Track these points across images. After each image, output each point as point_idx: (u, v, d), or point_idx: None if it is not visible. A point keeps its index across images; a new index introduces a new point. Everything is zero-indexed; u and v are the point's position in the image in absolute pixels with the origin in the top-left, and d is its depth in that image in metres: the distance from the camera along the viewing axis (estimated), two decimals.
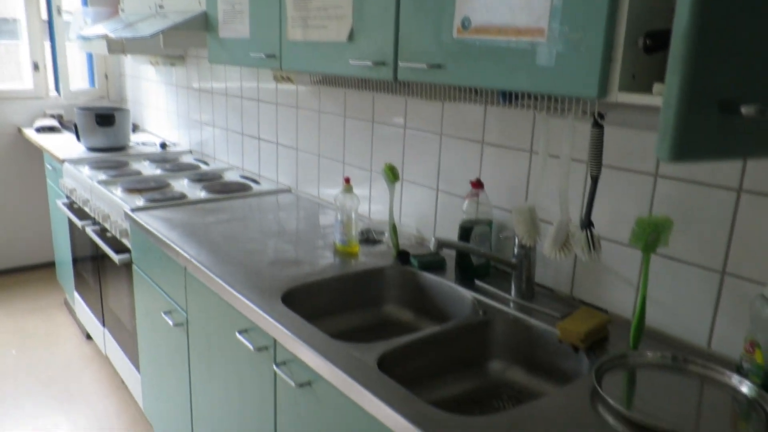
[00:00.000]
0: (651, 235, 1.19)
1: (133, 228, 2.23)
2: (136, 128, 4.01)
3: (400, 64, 1.38)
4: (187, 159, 3.23)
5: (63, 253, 3.49)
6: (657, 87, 0.97)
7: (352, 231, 1.83)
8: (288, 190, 2.59)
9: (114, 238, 2.42)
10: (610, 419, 1.04)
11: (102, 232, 2.56)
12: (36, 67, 4.04)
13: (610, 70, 1.00)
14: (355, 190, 1.91)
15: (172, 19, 2.24)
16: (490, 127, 1.68)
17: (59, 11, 3.95)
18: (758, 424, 1.02)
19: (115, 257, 2.36)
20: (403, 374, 1.27)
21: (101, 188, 2.54)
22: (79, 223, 2.78)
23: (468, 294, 1.56)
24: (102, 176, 2.72)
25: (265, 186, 2.64)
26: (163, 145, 3.45)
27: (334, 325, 1.65)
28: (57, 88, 4.13)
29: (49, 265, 4.13)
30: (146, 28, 2.34)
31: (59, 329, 3.43)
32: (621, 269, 1.42)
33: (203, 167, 3.01)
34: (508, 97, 1.41)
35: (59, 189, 3.21)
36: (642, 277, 1.24)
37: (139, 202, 2.31)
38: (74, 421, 2.63)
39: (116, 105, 4.22)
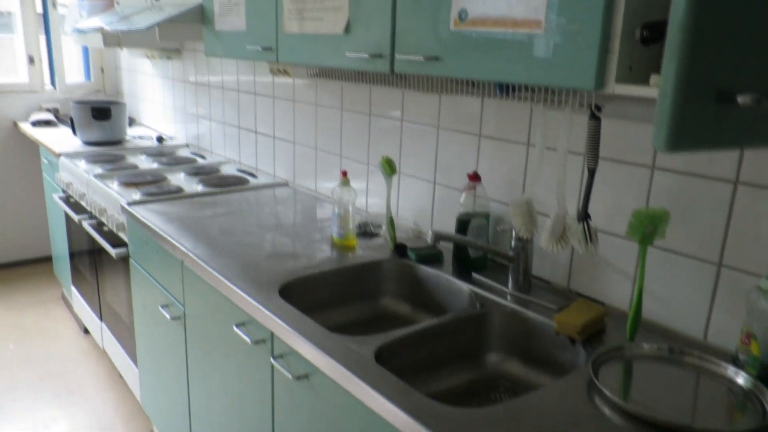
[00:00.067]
0: (648, 228, 1.19)
1: (129, 222, 2.22)
2: (132, 122, 3.99)
3: (397, 56, 1.38)
4: (184, 153, 3.22)
5: (60, 247, 3.49)
6: (654, 78, 0.96)
7: (350, 224, 1.83)
8: (285, 184, 2.58)
9: (111, 232, 2.42)
10: (607, 411, 1.04)
11: (99, 226, 2.56)
12: (31, 60, 4.02)
13: (607, 61, 0.99)
14: (353, 184, 1.91)
15: (168, 11, 2.23)
16: (487, 119, 1.68)
17: (54, 4, 3.93)
18: (754, 415, 1.03)
19: (112, 251, 2.35)
20: (401, 367, 1.28)
21: (98, 182, 2.53)
22: (75, 217, 2.77)
23: (465, 287, 1.56)
24: (98, 170, 2.72)
25: (262, 179, 2.63)
26: (160, 139, 3.44)
27: (332, 318, 1.65)
28: (53, 82, 4.11)
29: (46, 260, 4.12)
30: (142, 21, 2.33)
31: (56, 323, 3.43)
32: (618, 261, 1.42)
33: (200, 161, 3.00)
34: (505, 90, 1.41)
35: (55, 183, 3.20)
36: (639, 270, 1.25)
37: (136, 195, 2.31)
38: (72, 415, 2.63)
39: (112, 99, 4.21)
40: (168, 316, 1.97)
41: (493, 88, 1.45)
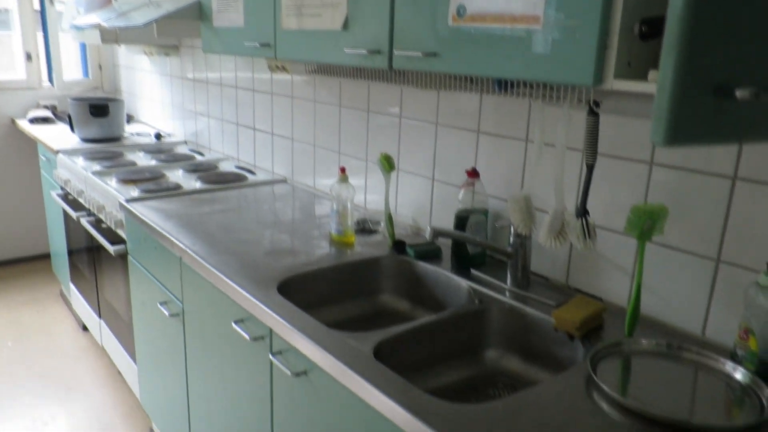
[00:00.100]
0: (646, 224, 1.19)
1: (128, 219, 2.22)
2: (130, 119, 3.98)
3: (395, 52, 1.37)
4: (182, 149, 3.21)
5: (58, 244, 3.48)
6: (652, 74, 0.96)
7: (348, 221, 1.83)
8: (283, 181, 2.58)
9: (109, 229, 2.42)
10: (605, 406, 1.04)
11: (97, 223, 2.55)
12: (29, 57, 4.01)
13: (606, 57, 0.99)
14: (351, 180, 1.91)
15: (166, 8, 2.22)
16: (485, 116, 1.68)
17: (51, 1, 3.92)
18: (752, 411, 1.03)
19: (111, 248, 2.35)
20: (399, 363, 1.28)
21: (96, 179, 2.53)
22: (74, 214, 2.77)
23: (464, 283, 1.56)
24: (96, 167, 2.71)
25: (260, 176, 2.63)
26: (158, 136, 3.43)
27: (330, 314, 1.65)
28: (50, 79, 4.10)
29: (45, 257, 4.12)
30: (139, 17, 2.32)
31: (55, 321, 3.43)
32: (616, 257, 1.43)
33: (198, 158, 3.00)
34: (503, 86, 1.41)
35: (53, 180, 3.20)
36: (637, 265, 1.25)
37: (134, 192, 2.31)
38: (71, 412, 2.63)
39: (110, 95, 4.20)
40: (167, 313, 1.97)
41: (491, 84, 1.45)
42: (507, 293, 1.50)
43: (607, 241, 1.43)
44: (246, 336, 1.50)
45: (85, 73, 4.27)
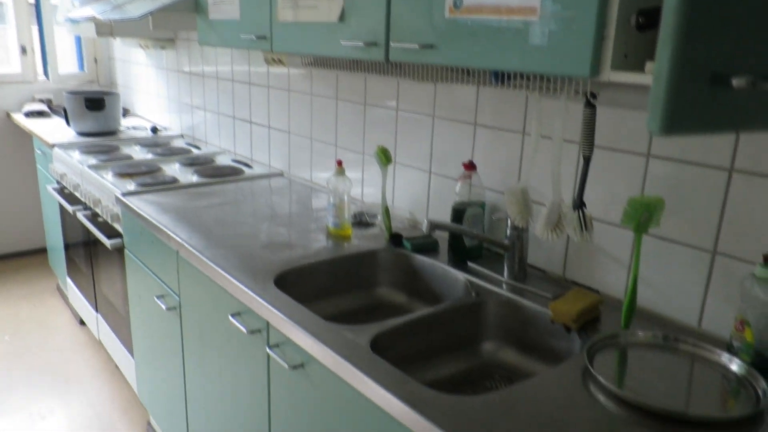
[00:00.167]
0: (643, 216, 1.19)
1: (124, 212, 2.22)
2: (126, 113, 3.97)
3: (392, 44, 1.37)
4: (179, 143, 3.20)
5: (55, 238, 3.47)
6: (649, 65, 0.96)
7: (345, 214, 1.83)
8: (280, 174, 2.58)
9: (105, 222, 2.41)
10: (602, 398, 1.05)
11: (93, 217, 2.55)
12: (24, 50, 3.99)
13: (603, 48, 0.99)
14: (348, 173, 1.90)
15: (161, 0, 2.21)
16: (482, 108, 1.67)
17: None
18: (748, 402, 1.03)
19: (107, 242, 2.35)
20: (396, 356, 1.28)
21: (92, 173, 2.52)
22: (70, 208, 2.76)
23: (461, 276, 1.56)
24: (92, 161, 2.70)
25: (257, 170, 2.63)
26: (154, 130, 3.42)
27: (327, 307, 1.65)
28: (45, 72, 4.08)
29: (41, 251, 4.11)
30: (134, 10, 2.31)
31: (52, 315, 3.42)
32: (613, 250, 1.43)
33: (195, 151, 2.99)
34: (500, 78, 1.40)
35: (49, 174, 3.18)
36: (634, 258, 1.25)
37: (131, 186, 2.30)
38: (68, 405, 2.63)
39: (106, 89, 4.18)
40: (163, 307, 1.96)
41: (488, 77, 1.44)
42: (504, 286, 1.50)
43: (604, 234, 1.43)
44: (243, 329, 1.49)
45: (81, 66, 4.25)
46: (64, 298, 3.57)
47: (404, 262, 1.71)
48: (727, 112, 0.80)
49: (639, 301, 1.37)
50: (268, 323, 1.42)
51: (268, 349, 1.41)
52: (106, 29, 2.97)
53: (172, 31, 3.22)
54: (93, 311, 2.93)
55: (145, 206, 2.07)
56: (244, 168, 2.63)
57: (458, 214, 1.62)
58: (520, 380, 1.14)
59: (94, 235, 2.53)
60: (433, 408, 1.01)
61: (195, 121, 3.22)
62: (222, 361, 1.70)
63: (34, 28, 4.00)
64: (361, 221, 1.94)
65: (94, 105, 3.30)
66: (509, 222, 1.50)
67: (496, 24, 1.13)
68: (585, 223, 1.31)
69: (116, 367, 2.87)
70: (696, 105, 0.76)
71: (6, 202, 4.06)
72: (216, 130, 3.04)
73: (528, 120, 1.56)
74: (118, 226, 2.31)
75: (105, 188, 2.37)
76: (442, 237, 1.75)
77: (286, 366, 1.35)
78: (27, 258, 4.15)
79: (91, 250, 2.76)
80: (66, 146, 3.04)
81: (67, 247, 3.19)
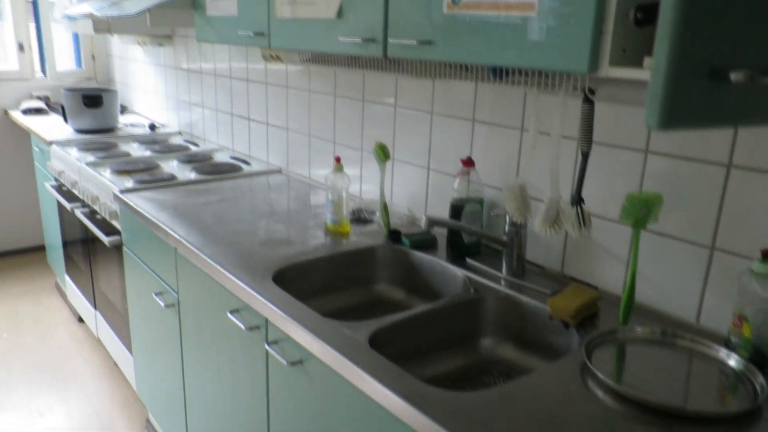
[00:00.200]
0: (641, 212, 1.19)
1: (122, 210, 2.21)
2: (124, 110, 3.96)
3: (390, 40, 1.37)
4: (177, 140, 3.20)
5: (53, 236, 3.47)
6: (647, 61, 0.96)
7: (343, 211, 1.83)
8: (278, 171, 2.57)
9: (104, 220, 2.41)
10: (600, 393, 1.05)
11: (91, 215, 2.54)
12: (21, 47, 3.98)
13: (601, 44, 0.99)
14: (346, 170, 1.90)
15: None
16: (480, 105, 1.67)
17: None
18: (745, 397, 1.04)
19: (105, 239, 2.34)
20: (395, 352, 1.28)
21: (90, 170, 2.52)
22: (68, 205, 2.76)
23: (459, 272, 1.56)
24: (90, 158, 2.70)
25: (255, 167, 2.62)
26: (152, 127, 3.41)
27: (326, 304, 1.65)
28: (43, 69, 4.07)
29: (39, 249, 4.10)
30: (132, 7, 2.30)
31: (51, 313, 3.42)
32: (611, 246, 1.43)
33: (193, 148, 2.99)
34: (498, 74, 1.40)
35: (47, 171, 3.18)
36: (632, 254, 1.25)
37: (129, 183, 2.30)
38: (67, 403, 2.63)
39: (104, 86, 4.17)
40: (162, 304, 1.96)
41: (486, 73, 1.44)
42: (502, 282, 1.50)
43: (603, 230, 1.44)
44: (241, 326, 1.49)
45: (78, 63, 4.24)
46: (63, 295, 3.56)
47: (403, 259, 1.71)
48: (725, 107, 0.80)
49: (637, 297, 1.38)
50: (266, 320, 1.42)
51: (266, 346, 1.41)
52: (103, 26, 2.97)
53: (170, 28, 3.21)
54: (91, 309, 2.92)
55: (143, 203, 2.06)
56: (243, 165, 2.63)
57: (457, 210, 1.62)
58: (519, 376, 1.14)
59: (92, 233, 2.52)
60: (432, 404, 1.01)
61: (193, 118, 3.22)
62: (221, 358, 1.70)
63: (32, 25, 3.99)
64: (359, 218, 1.94)
65: (92, 102, 3.30)
66: (508, 218, 1.50)
67: (495, 20, 1.13)
68: (583, 219, 1.31)
69: (115, 364, 2.87)
70: (694, 99, 0.76)
71: (4, 199, 4.05)
72: (214, 127, 3.03)
73: (526, 116, 1.56)
74: (116, 224, 2.30)
75: (103, 185, 2.36)
76: (441, 233, 1.75)
77: (284, 362, 1.35)
78: (25, 255, 4.15)
79: (90, 248, 2.76)
80: (64, 143, 3.04)
81: (66, 244, 3.19)
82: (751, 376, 1.08)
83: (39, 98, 3.99)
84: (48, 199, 3.38)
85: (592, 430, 0.96)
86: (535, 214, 1.41)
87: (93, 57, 4.22)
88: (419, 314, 1.36)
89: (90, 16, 2.84)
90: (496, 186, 1.67)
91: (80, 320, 3.29)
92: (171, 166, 2.61)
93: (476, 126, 1.69)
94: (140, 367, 2.38)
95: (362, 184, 2.15)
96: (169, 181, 2.35)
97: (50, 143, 3.05)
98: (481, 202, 1.64)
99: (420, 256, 1.67)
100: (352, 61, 1.81)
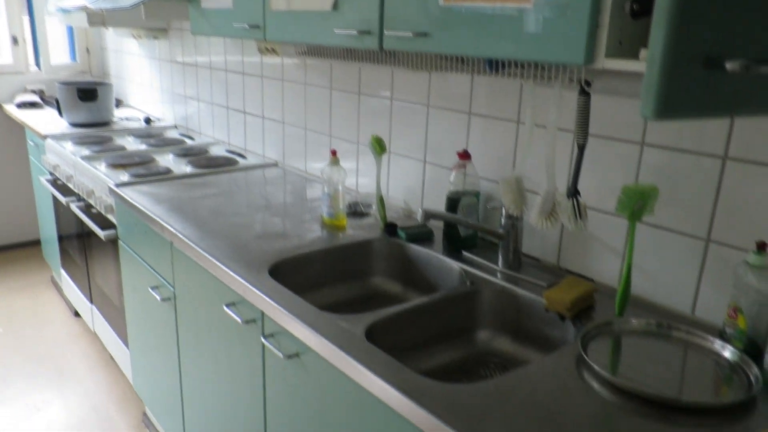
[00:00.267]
0: (637, 204, 1.19)
1: (118, 203, 2.21)
2: (119, 103, 3.95)
3: (386, 32, 1.36)
4: (172, 134, 3.19)
5: (48, 230, 3.46)
6: (644, 52, 0.96)
7: (340, 204, 1.82)
8: (275, 164, 2.57)
9: (99, 214, 2.40)
10: (596, 385, 1.05)
11: (87, 209, 2.54)
12: (15, 41, 3.96)
13: (597, 35, 0.98)
14: (342, 163, 1.90)
15: None
16: (477, 97, 1.67)
17: None
18: (740, 388, 1.04)
19: (101, 233, 2.34)
20: (391, 345, 1.28)
21: (85, 164, 2.51)
22: (63, 199, 2.75)
23: (455, 265, 1.56)
24: (85, 152, 2.69)
25: (251, 160, 2.62)
26: (148, 120, 3.40)
27: (322, 297, 1.65)
28: (37, 63, 4.05)
29: (35, 243, 4.09)
30: None
31: (47, 307, 3.42)
32: (607, 238, 1.43)
33: (188, 142, 2.98)
34: (494, 66, 1.40)
35: (42, 165, 3.17)
36: (628, 246, 1.25)
37: (124, 177, 2.29)
38: (64, 397, 2.63)
39: (99, 79, 4.15)
40: (158, 298, 1.96)
41: (482, 65, 1.44)
42: (498, 275, 1.50)
43: (598, 222, 1.44)
44: (238, 319, 1.49)
45: (73, 56, 4.22)
46: (59, 289, 3.56)
47: (399, 252, 1.71)
48: (720, 96, 0.80)
49: (633, 289, 1.38)
50: (263, 313, 1.42)
51: (263, 339, 1.41)
52: (98, 19, 2.95)
53: (165, 21, 3.20)
54: (87, 303, 2.92)
55: (138, 197, 2.06)
56: (238, 158, 2.63)
57: (453, 203, 1.62)
58: (515, 368, 1.14)
59: (87, 227, 2.52)
60: (428, 396, 1.01)
61: (188, 112, 3.21)
62: (217, 351, 1.70)
63: (26, 19, 3.96)
64: (355, 211, 1.94)
65: (87, 96, 3.28)
66: (504, 211, 1.50)
67: (491, 11, 1.12)
68: (579, 212, 1.31)
69: (111, 358, 2.87)
70: (689, 89, 0.76)
71: None
72: (210, 120, 3.02)
73: (522, 108, 1.56)
74: (111, 218, 2.30)
75: (98, 179, 2.35)
76: (437, 226, 1.75)
77: (281, 355, 1.35)
78: (21, 250, 4.13)
79: (85, 242, 2.75)
80: (59, 137, 3.02)
81: (61, 238, 3.18)
82: (745, 367, 1.08)
83: (33, 92, 3.97)
84: (43, 194, 3.36)
85: (588, 422, 0.96)
86: (532, 207, 1.41)
87: (87, 50, 4.20)
88: (416, 307, 1.36)
89: (84, 8, 2.82)
90: (493, 179, 1.67)
91: (76, 314, 3.29)
92: (166, 160, 2.60)
93: (472, 118, 1.69)
94: (137, 361, 2.38)
95: (358, 177, 2.15)
96: (165, 174, 2.34)
97: (45, 137, 3.04)
98: (477, 194, 1.64)
99: (416, 249, 1.67)
100: (348, 54, 1.81)
